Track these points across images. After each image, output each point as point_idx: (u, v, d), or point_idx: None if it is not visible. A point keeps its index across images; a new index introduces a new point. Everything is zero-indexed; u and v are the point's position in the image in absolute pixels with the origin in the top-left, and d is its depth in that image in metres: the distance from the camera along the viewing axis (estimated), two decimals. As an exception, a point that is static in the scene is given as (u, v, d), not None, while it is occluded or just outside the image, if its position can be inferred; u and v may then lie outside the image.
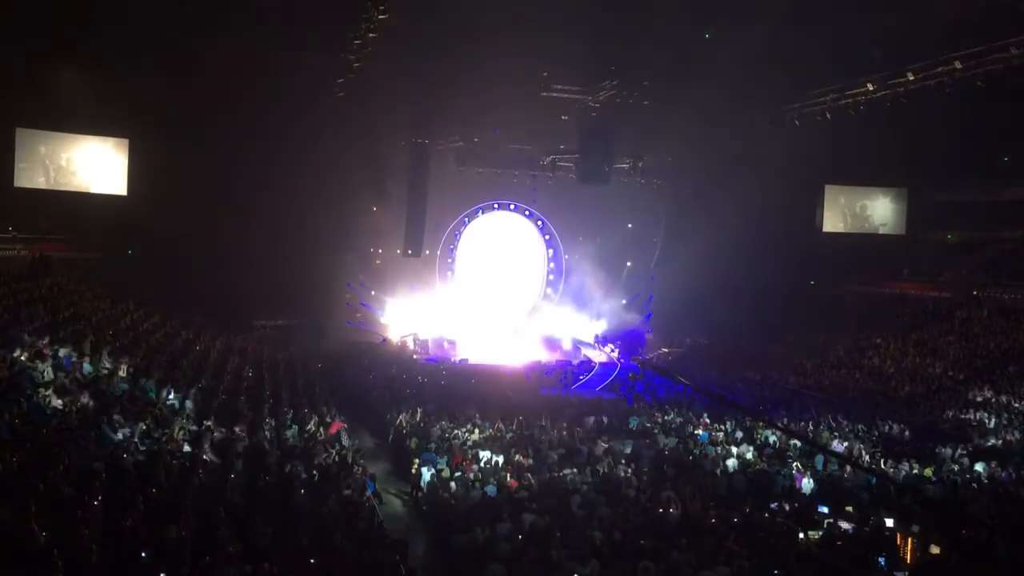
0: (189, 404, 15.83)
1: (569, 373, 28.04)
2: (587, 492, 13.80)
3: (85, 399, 13.40)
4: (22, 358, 14.16)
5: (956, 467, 16.70)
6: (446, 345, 32.82)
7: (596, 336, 35.74)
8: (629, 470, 15.57)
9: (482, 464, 15.22)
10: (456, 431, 17.64)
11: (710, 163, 32.56)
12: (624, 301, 37.58)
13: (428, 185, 34.05)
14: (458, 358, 31.05)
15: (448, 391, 23.14)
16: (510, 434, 17.86)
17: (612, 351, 33.61)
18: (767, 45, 23.95)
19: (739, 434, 18.68)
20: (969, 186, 33.39)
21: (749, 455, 16.84)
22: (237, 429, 14.99)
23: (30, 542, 7.62)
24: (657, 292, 36.95)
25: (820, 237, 37.08)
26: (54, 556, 7.45)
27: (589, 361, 31.29)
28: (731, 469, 15.84)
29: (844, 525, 12.93)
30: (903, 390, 25.19)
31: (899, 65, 24.82)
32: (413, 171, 33.66)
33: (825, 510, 13.62)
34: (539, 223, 37.69)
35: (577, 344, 34.72)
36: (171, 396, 15.82)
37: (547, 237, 37.75)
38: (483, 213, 36.95)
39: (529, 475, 14.71)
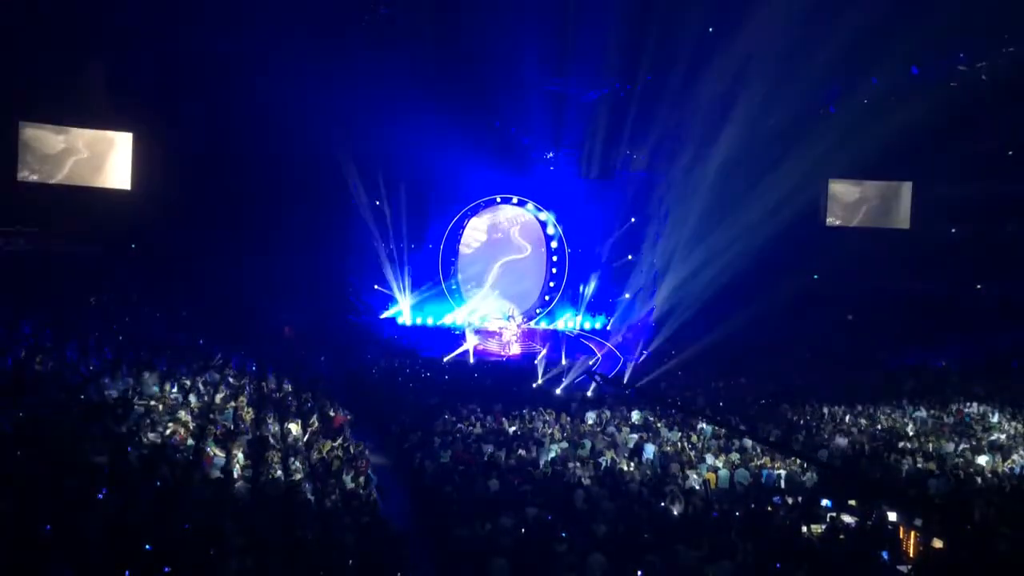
0: (192, 398, 15.88)
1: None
2: (590, 486, 13.82)
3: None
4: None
5: (960, 460, 16.72)
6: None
7: (596, 330, 35.75)
8: (632, 464, 15.62)
9: (485, 458, 15.24)
10: (459, 425, 17.68)
11: (713, 158, 32.45)
12: (628, 295, 37.56)
13: (431, 179, 34.09)
14: (459, 351, 31.14)
15: (451, 385, 23.20)
16: (513, 428, 17.90)
17: (618, 340, 33.63)
18: (773, 40, 23.91)
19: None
20: (974, 180, 33.23)
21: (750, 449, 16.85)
22: (241, 424, 15.04)
23: (35, 536, 7.66)
24: (660, 287, 36.86)
25: (824, 231, 36.95)
26: (59, 550, 7.48)
27: (593, 355, 31.29)
28: (734, 463, 15.85)
29: (847, 519, 12.93)
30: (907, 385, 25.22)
31: (905, 60, 24.78)
32: (415, 165, 33.65)
33: (828, 504, 13.62)
34: (541, 217, 37.59)
35: (580, 338, 34.71)
36: (174, 390, 15.88)
37: (550, 231, 37.67)
38: (486, 207, 36.88)
39: (531, 469, 14.74)
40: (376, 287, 34.82)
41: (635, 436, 17.53)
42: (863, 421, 20.45)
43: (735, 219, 30.77)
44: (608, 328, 36.21)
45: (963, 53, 25.29)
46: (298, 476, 12.78)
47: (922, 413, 21.48)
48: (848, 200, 37.24)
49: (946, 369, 26.89)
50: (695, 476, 14.86)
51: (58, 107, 27.39)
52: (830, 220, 36.91)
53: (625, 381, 25.74)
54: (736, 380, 26.30)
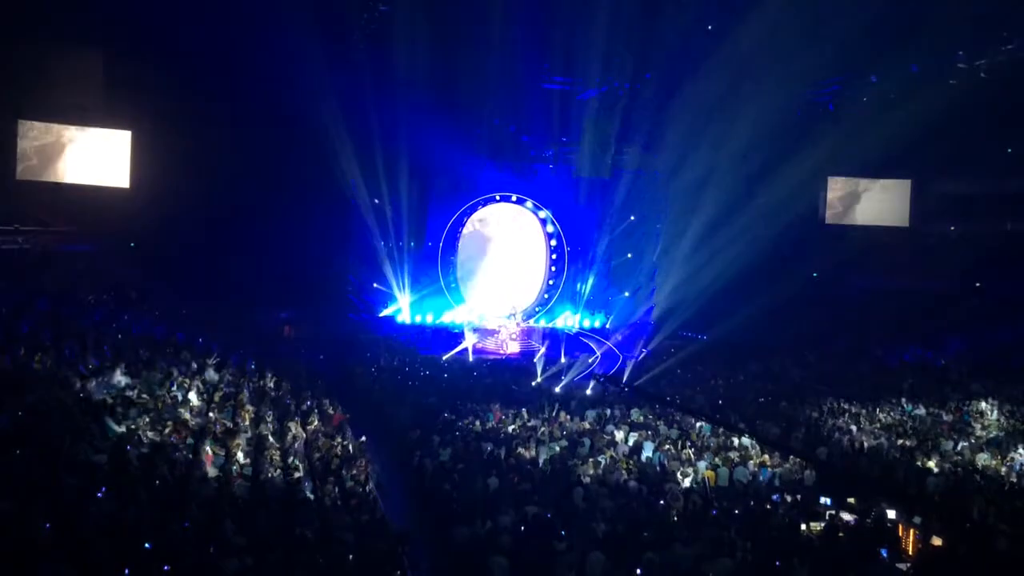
0: (192, 397, 15.87)
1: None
2: (589, 484, 13.83)
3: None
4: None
5: (958, 458, 16.74)
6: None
7: (596, 328, 35.76)
8: (631, 462, 15.63)
9: (485, 456, 15.25)
10: (458, 423, 17.68)
11: (712, 155, 32.49)
12: (627, 293, 37.58)
13: (430, 176, 34.14)
14: (458, 349, 31.18)
15: (450, 383, 23.20)
16: (512, 427, 17.90)
17: (617, 338, 33.64)
18: (772, 38, 23.92)
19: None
20: (973, 178, 33.28)
21: (750, 448, 16.87)
22: (240, 423, 15.03)
23: (35, 535, 7.65)
24: (660, 285, 36.89)
25: (823, 229, 36.98)
26: (58, 549, 7.48)
27: (593, 353, 31.28)
28: (733, 461, 15.86)
29: (846, 517, 12.95)
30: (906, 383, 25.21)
31: (904, 57, 24.80)
32: (414, 162, 33.67)
33: (827, 502, 13.64)
34: (540, 215, 37.57)
35: (579, 336, 34.71)
36: (174, 389, 15.86)
37: (549, 229, 37.66)
38: (484, 205, 36.86)
39: (531, 467, 14.74)
40: (376, 285, 34.83)
41: (634, 434, 17.54)
42: (862, 419, 20.45)
43: (734, 217, 30.79)
44: (607, 326, 36.23)
45: (962, 51, 25.26)
46: (297, 475, 12.78)
47: (921, 411, 21.50)
48: (847, 198, 37.25)
49: (945, 367, 26.89)
50: (694, 474, 14.88)
51: (57, 105, 27.36)
52: (829, 218, 36.96)
53: (624, 379, 25.73)
54: (735, 378, 26.29)
